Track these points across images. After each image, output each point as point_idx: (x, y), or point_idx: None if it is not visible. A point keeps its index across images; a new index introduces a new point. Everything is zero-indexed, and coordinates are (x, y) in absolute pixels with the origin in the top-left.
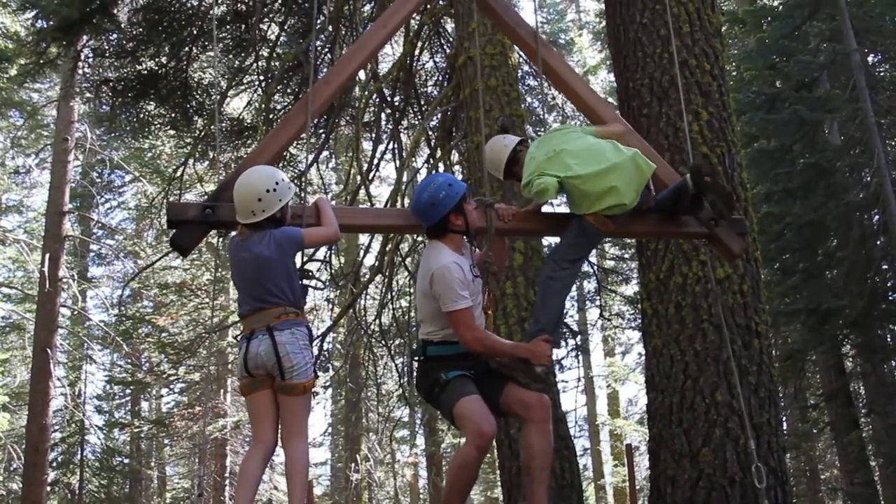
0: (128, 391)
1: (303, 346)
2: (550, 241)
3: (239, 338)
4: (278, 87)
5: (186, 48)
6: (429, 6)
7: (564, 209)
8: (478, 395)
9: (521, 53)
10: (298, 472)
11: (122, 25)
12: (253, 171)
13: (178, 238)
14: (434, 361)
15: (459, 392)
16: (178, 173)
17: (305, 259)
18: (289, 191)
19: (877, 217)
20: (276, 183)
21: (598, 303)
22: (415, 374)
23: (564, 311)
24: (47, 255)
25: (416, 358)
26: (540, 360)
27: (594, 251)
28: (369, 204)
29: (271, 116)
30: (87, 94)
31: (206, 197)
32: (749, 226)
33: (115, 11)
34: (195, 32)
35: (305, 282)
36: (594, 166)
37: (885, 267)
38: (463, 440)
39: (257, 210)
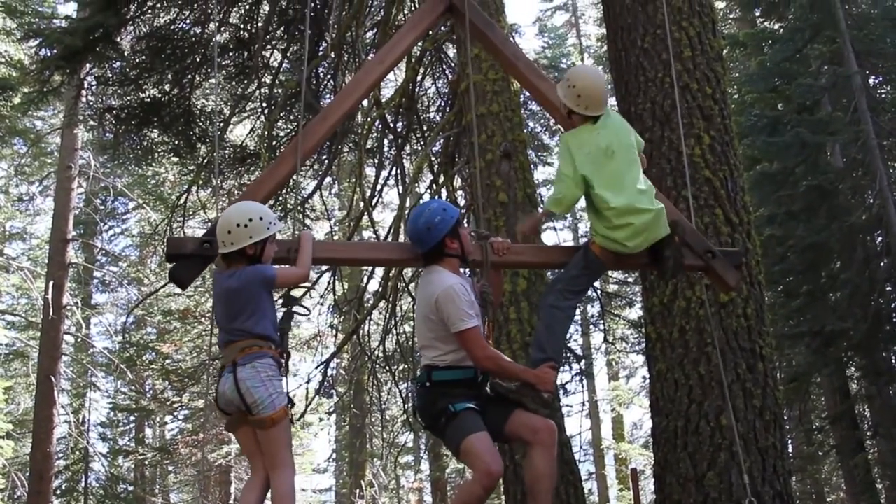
0: (132, 418)
1: (265, 379)
2: None
3: (217, 373)
4: (281, 114)
5: (189, 76)
6: (430, 33)
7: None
8: (486, 433)
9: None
10: (283, 503)
11: (126, 53)
12: (238, 204)
13: (177, 272)
14: (440, 388)
15: (469, 428)
16: (182, 200)
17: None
18: (265, 230)
19: (880, 238)
20: (250, 219)
21: (601, 327)
22: (416, 400)
23: (567, 338)
24: (51, 283)
25: (420, 384)
26: (546, 387)
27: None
28: (372, 229)
29: (274, 143)
30: (91, 122)
31: (208, 225)
32: (752, 249)
33: (119, 39)
34: (198, 60)
35: (294, 309)
36: (628, 199)
37: (888, 288)
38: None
39: (226, 242)
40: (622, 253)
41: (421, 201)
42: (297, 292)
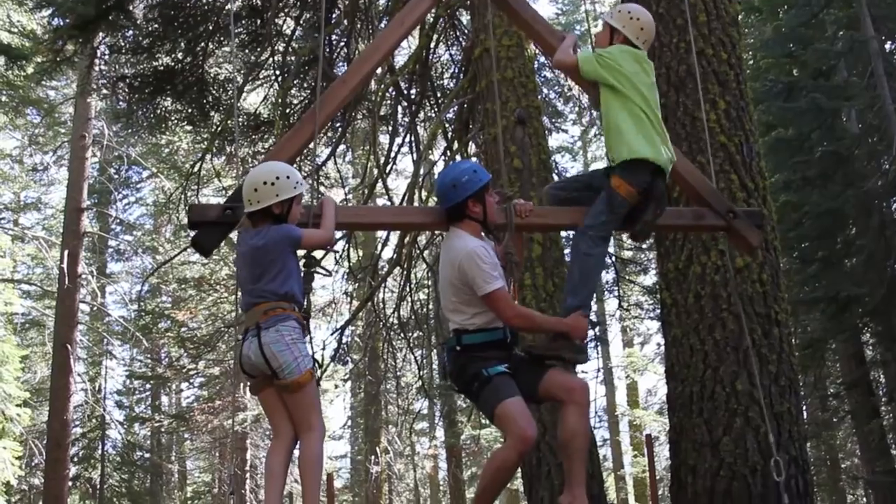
0: (148, 386)
1: (289, 342)
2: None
3: (241, 336)
4: (294, 82)
5: (202, 44)
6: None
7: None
8: (520, 397)
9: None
10: (309, 467)
11: (138, 22)
12: (264, 163)
13: (200, 238)
14: (471, 351)
15: (504, 392)
16: (196, 169)
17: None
18: (292, 189)
19: (895, 204)
20: (277, 177)
21: (616, 293)
22: (448, 364)
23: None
24: (66, 252)
25: (451, 348)
26: (579, 335)
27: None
28: (387, 196)
29: (287, 111)
30: (104, 91)
31: (224, 194)
32: (768, 215)
33: (131, 8)
34: (210, 28)
35: (315, 270)
36: (646, 132)
37: None
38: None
39: (253, 200)
40: (640, 181)
41: (435, 169)
42: (317, 254)
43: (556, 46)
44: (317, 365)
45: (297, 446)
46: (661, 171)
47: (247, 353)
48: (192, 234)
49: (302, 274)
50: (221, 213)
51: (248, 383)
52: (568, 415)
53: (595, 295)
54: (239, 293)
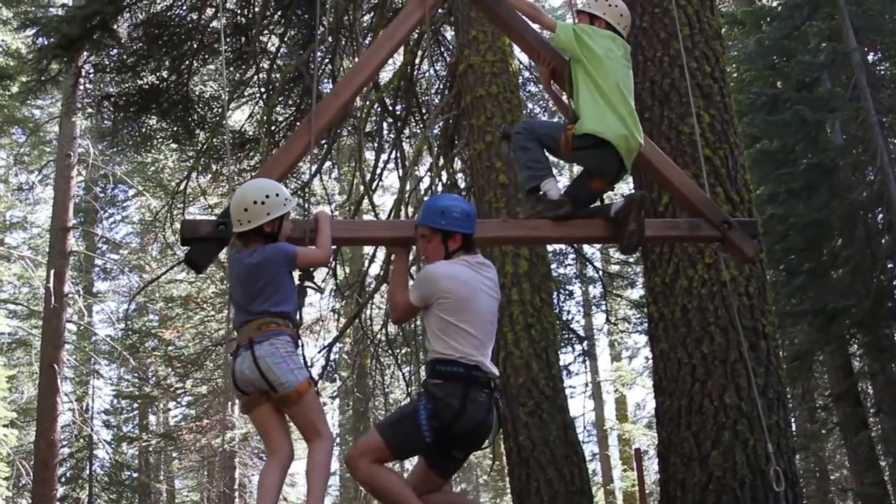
0: (135, 405)
1: (284, 355)
2: (555, 246)
3: (231, 353)
4: (279, 99)
5: (187, 62)
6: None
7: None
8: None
9: (522, 60)
10: (316, 471)
11: (123, 41)
12: (251, 182)
13: (193, 255)
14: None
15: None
16: (182, 187)
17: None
18: (282, 206)
19: (881, 216)
20: (266, 196)
21: (604, 307)
22: (489, 409)
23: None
24: (52, 271)
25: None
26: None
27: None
28: (373, 213)
29: (273, 128)
30: (89, 110)
31: (210, 212)
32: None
33: (116, 27)
34: (195, 46)
35: (305, 285)
36: (600, 109)
37: (890, 265)
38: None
39: (243, 220)
40: (597, 155)
41: (421, 185)
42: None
43: (544, 56)
44: (312, 380)
45: (308, 453)
46: (605, 144)
47: (241, 368)
48: (185, 251)
49: (296, 290)
50: (214, 228)
51: (239, 403)
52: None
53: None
54: (227, 311)
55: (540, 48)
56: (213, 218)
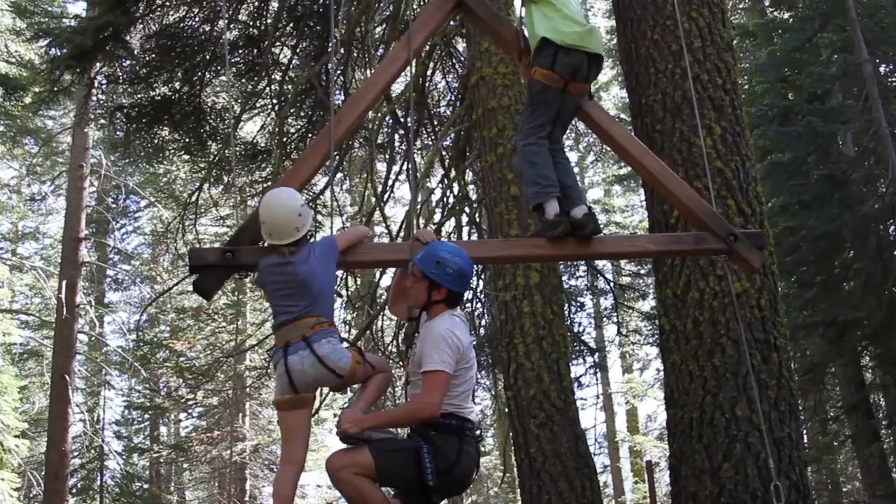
0: (146, 416)
1: (341, 350)
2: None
3: (272, 351)
4: (291, 111)
5: (199, 73)
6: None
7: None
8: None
9: None
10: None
11: (135, 52)
12: (277, 194)
13: (201, 283)
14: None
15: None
16: (194, 198)
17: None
18: (306, 209)
19: (893, 227)
20: (301, 203)
21: (615, 319)
22: (477, 461)
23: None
24: (64, 282)
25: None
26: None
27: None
28: (384, 225)
29: (285, 140)
30: (102, 121)
31: (222, 223)
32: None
33: (128, 38)
34: (207, 57)
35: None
36: (550, 19)
37: None
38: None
39: (300, 225)
40: (547, 61)
41: (432, 197)
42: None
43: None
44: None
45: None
46: (564, 49)
47: (300, 367)
48: (193, 278)
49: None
50: (221, 256)
51: (280, 398)
52: None
53: (594, 322)
54: (238, 322)
55: (517, 44)
56: (220, 247)
